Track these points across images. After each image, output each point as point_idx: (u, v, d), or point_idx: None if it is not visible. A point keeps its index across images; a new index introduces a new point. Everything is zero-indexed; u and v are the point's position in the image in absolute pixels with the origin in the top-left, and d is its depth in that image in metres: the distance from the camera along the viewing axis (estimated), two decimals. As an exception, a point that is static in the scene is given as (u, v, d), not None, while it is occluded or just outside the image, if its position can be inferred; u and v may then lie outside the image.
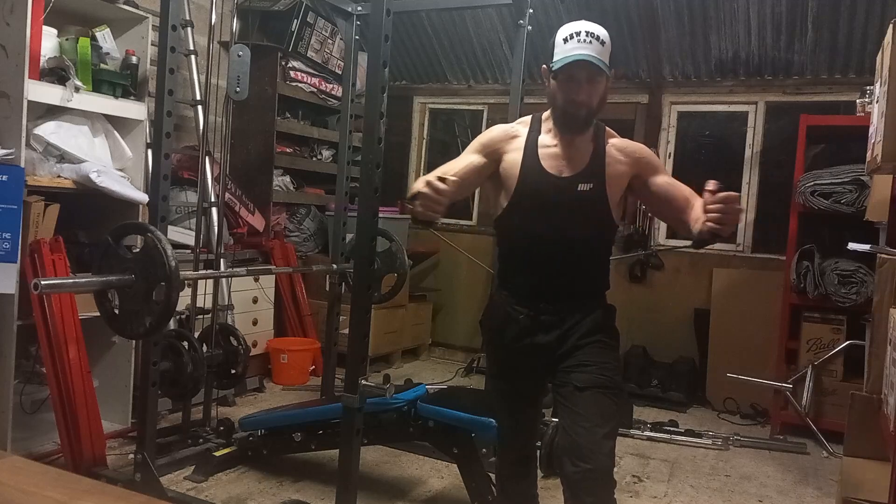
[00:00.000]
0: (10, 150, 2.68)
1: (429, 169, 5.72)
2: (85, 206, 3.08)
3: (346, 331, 2.35)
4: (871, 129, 2.56)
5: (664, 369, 4.59)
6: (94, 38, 3.09)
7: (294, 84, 4.72)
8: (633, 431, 3.82)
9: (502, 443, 2.17)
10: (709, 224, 1.64)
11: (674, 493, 3.12)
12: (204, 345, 3.05)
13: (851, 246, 2.94)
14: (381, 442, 3.06)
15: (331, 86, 4.99)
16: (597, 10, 4.44)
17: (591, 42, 1.79)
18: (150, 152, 3.15)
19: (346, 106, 3.71)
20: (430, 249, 5.54)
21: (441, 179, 1.65)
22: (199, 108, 3.53)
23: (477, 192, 5.48)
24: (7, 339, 2.74)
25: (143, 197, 3.05)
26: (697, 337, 4.68)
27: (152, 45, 3.18)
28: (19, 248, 2.64)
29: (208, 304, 3.23)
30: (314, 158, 5.07)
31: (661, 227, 4.92)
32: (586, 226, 1.91)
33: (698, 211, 1.74)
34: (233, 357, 3.15)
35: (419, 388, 2.88)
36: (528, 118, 2.02)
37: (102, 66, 3.10)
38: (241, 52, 3.03)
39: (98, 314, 2.21)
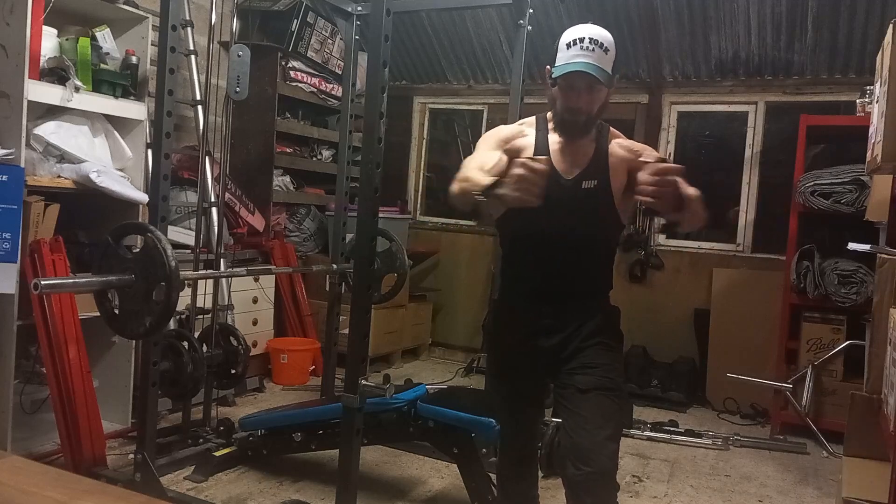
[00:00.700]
0: (10, 150, 2.68)
1: (429, 169, 5.76)
2: (85, 206, 3.08)
3: (346, 331, 2.35)
4: (871, 129, 2.56)
5: (664, 369, 4.59)
6: (94, 38, 3.09)
7: (294, 84, 4.72)
8: (633, 431, 3.82)
9: (503, 443, 2.17)
10: (641, 198, 1.57)
11: (674, 493, 3.12)
12: (204, 345, 3.05)
13: (851, 246, 2.94)
14: (381, 442, 3.06)
15: (331, 86, 4.99)
16: (597, 10, 4.44)
17: (593, 50, 1.77)
18: (150, 152, 3.15)
19: (346, 106, 3.71)
20: (430, 249, 5.54)
21: (533, 159, 1.54)
22: (199, 108, 3.53)
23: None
24: (7, 339, 2.74)
25: (143, 197, 3.05)
26: (697, 337, 4.68)
27: (152, 45, 3.18)
28: (19, 248, 2.64)
29: (208, 304, 3.23)
30: (314, 158, 5.07)
31: (658, 227, 4.92)
32: (591, 224, 1.90)
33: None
34: (233, 357, 3.14)
35: (419, 388, 2.88)
36: (532, 119, 2.01)
37: (102, 66, 3.10)
38: (241, 52, 3.03)
39: (98, 314, 2.21)
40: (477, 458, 2.65)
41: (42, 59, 2.84)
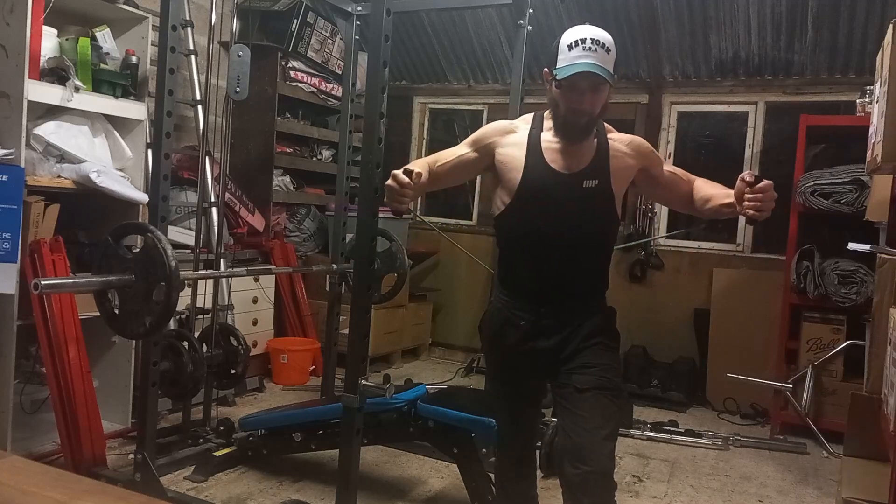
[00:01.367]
0: (10, 150, 2.68)
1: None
2: (85, 206, 3.08)
3: (346, 331, 2.35)
4: (871, 129, 2.56)
5: (664, 369, 4.59)
6: (94, 38, 3.09)
7: (294, 84, 4.72)
8: (633, 431, 3.82)
9: (502, 443, 2.16)
10: (749, 213, 1.70)
11: (674, 493, 3.12)
12: (204, 345, 3.05)
13: (851, 246, 2.94)
14: (381, 442, 3.06)
15: (331, 86, 4.99)
16: (597, 10, 4.44)
17: (595, 50, 1.77)
18: (150, 152, 3.15)
19: (346, 106, 3.71)
20: (430, 249, 5.54)
21: (407, 173, 1.72)
22: (199, 108, 3.53)
23: (477, 191, 5.50)
24: (7, 339, 2.74)
25: (143, 197, 3.05)
26: (697, 337, 4.68)
27: (152, 45, 3.18)
28: (19, 248, 2.64)
29: (208, 304, 3.23)
30: (314, 158, 5.07)
31: (661, 227, 4.92)
32: (591, 223, 1.90)
33: (710, 192, 1.92)
34: (233, 357, 3.14)
35: (419, 388, 2.88)
36: (529, 116, 2.00)
37: (102, 66, 3.10)
38: (241, 52, 3.03)
39: (98, 314, 2.21)
40: (477, 458, 2.65)
41: (42, 59, 2.84)
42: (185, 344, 2.88)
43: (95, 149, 3.06)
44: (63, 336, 2.78)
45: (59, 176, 2.92)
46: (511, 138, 1.94)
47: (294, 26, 4.58)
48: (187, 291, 3.13)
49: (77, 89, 2.89)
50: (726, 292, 4.53)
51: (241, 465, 3.04)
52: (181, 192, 3.85)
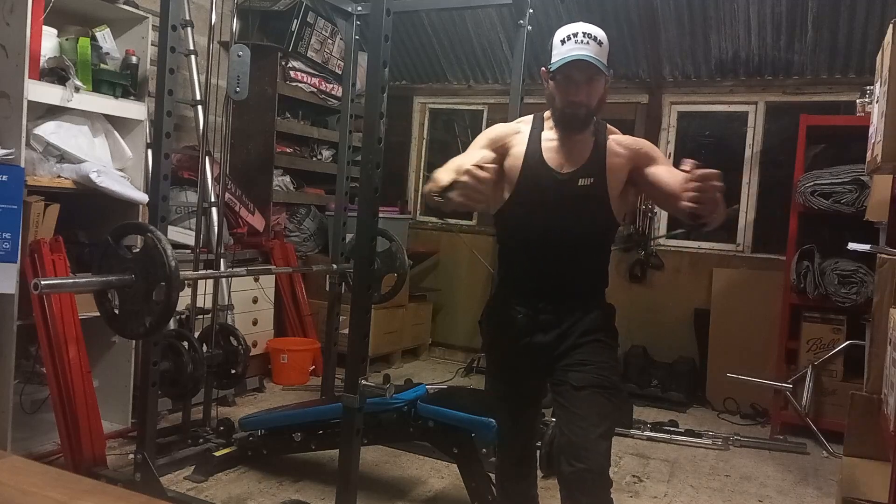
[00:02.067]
0: (10, 150, 2.68)
1: (429, 169, 5.75)
2: (85, 206, 3.08)
3: (346, 331, 2.35)
4: (871, 129, 2.56)
5: (664, 369, 4.59)
6: (94, 38, 3.09)
7: (294, 84, 4.72)
8: (633, 431, 3.82)
9: (502, 443, 2.17)
10: (685, 204, 1.56)
11: (674, 493, 3.12)
12: (204, 345, 3.05)
13: (851, 246, 2.94)
14: (381, 442, 3.06)
15: (331, 86, 4.99)
16: (597, 10, 4.44)
17: (588, 43, 1.78)
18: (150, 152, 3.15)
19: (346, 106, 3.71)
20: (430, 249, 5.54)
21: (479, 167, 1.58)
22: (199, 108, 3.53)
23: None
24: (7, 339, 2.74)
25: (143, 197, 3.05)
26: (697, 337, 4.68)
27: (152, 45, 3.18)
28: (19, 248, 2.64)
29: (208, 304, 3.23)
30: (314, 158, 5.07)
31: (661, 227, 4.92)
32: (586, 222, 1.91)
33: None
34: (233, 357, 3.14)
35: (419, 388, 2.88)
36: (529, 117, 2.01)
37: (102, 66, 3.10)
38: (241, 52, 3.03)
39: (98, 314, 2.21)
40: (477, 458, 2.65)
41: (42, 59, 2.84)
42: (185, 344, 2.88)
43: (95, 149, 3.06)
44: (63, 336, 2.78)
45: (59, 176, 2.92)
46: (516, 139, 1.96)
47: (294, 26, 4.58)
48: (187, 291, 3.13)
49: (77, 89, 2.88)
50: (726, 292, 4.53)
51: (241, 465, 3.04)
52: (181, 192, 3.85)
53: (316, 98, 4.92)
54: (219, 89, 3.52)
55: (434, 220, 5.70)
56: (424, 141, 5.82)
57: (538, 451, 2.63)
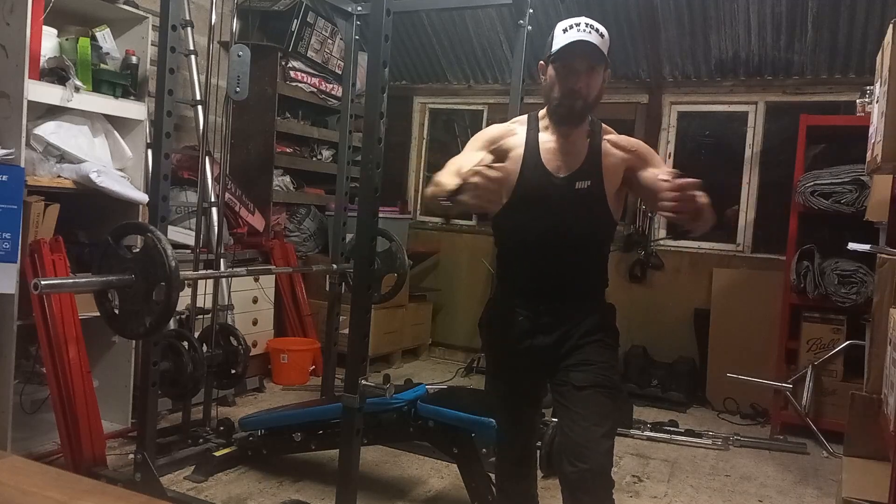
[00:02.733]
0: (10, 150, 2.68)
1: (429, 169, 5.75)
2: (85, 206, 3.08)
3: (346, 331, 2.35)
4: (871, 129, 2.56)
5: (664, 369, 4.59)
6: (94, 38, 3.09)
7: (294, 84, 4.72)
8: (633, 431, 3.82)
9: (501, 443, 2.17)
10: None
11: (674, 493, 3.12)
12: (204, 345, 3.05)
13: (851, 246, 2.94)
14: (381, 442, 3.06)
15: (331, 86, 4.99)
16: (597, 10, 4.44)
17: (590, 32, 1.79)
18: (150, 152, 3.15)
19: (346, 106, 3.71)
20: (430, 249, 5.54)
21: (489, 167, 1.57)
22: (199, 108, 3.53)
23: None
24: (7, 339, 2.74)
25: (143, 197, 3.05)
26: (697, 337, 4.68)
27: (152, 45, 3.18)
28: (19, 248, 2.64)
29: (208, 304, 3.23)
30: (314, 158, 5.07)
31: (661, 227, 4.92)
32: (585, 224, 1.91)
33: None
34: (233, 357, 3.14)
35: (419, 388, 2.88)
36: (523, 117, 2.00)
37: (102, 66, 3.10)
38: (241, 52, 3.03)
39: (98, 314, 2.21)
40: (477, 458, 2.65)
41: (42, 59, 2.84)
42: (185, 344, 2.88)
43: (95, 149, 3.06)
44: (63, 336, 2.78)
45: (59, 176, 2.92)
46: (511, 141, 1.95)
47: (294, 26, 4.58)
48: (187, 291, 3.13)
49: (77, 89, 2.88)
50: (726, 292, 4.53)
51: (241, 465, 3.04)
52: (181, 192, 3.85)
53: (316, 98, 4.92)
54: (219, 89, 3.52)
55: (434, 220, 5.70)
56: (424, 141, 5.82)
57: (538, 451, 2.63)
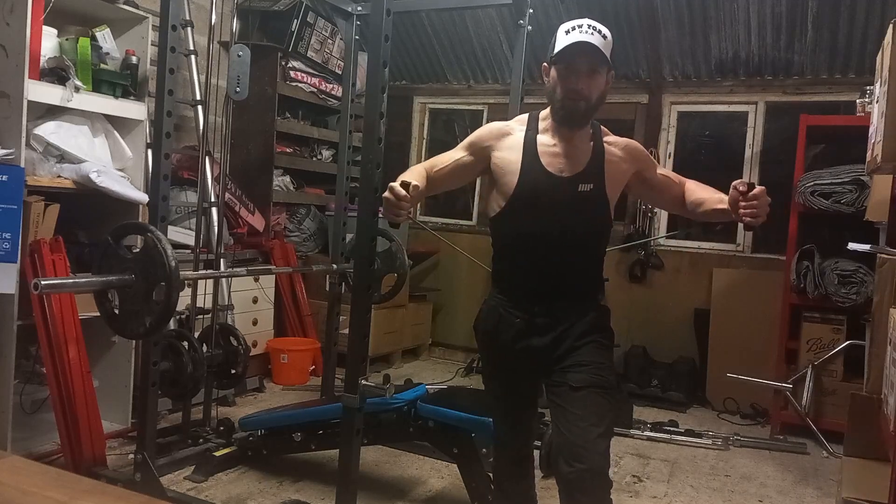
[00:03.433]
0: (10, 150, 2.68)
1: (429, 169, 5.75)
2: (85, 206, 3.08)
3: (346, 331, 2.35)
4: (871, 129, 2.56)
5: (664, 369, 4.59)
6: (94, 38, 3.09)
7: (294, 84, 4.72)
8: (633, 431, 3.82)
9: (499, 443, 2.17)
10: (746, 220, 1.72)
11: (674, 493, 3.12)
12: (204, 345, 3.05)
13: (851, 246, 2.94)
14: (381, 442, 3.06)
15: (331, 86, 4.99)
16: (597, 10, 4.44)
17: (593, 34, 1.80)
18: (150, 152, 3.15)
19: (346, 106, 3.71)
20: (430, 249, 5.54)
21: (405, 186, 1.72)
22: (199, 108, 3.53)
23: (476, 191, 5.50)
24: (7, 339, 2.74)
25: (143, 197, 3.05)
26: (697, 337, 4.68)
27: (152, 45, 3.18)
28: (19, 248, 2.64)
29: (208, 304, 3.23)
30: (314, 158, 5.07)
31: (661, 227, 4.92)
32: (585, 225, 1.91)
33: (702, 196, 1.94)
34: (233, 357, 3.14)
35: (419, 388, 2.88)
36: (524, 116, 2.00)
37: (102, 66, 3.10)
38: (241, 52, 3.03)
39: (98, 314, 2.21)
40: (477, 458, 2.65)
41: (42, 59, 2.84)
42: (185, 344, 2.88)
43: (95, 149, 3.06)
44: (63, 336, 2.78)
45: (59, 176, 2.92)
46: (507, 141, 1.95)
47: (294, 26, 4.58)
48: (187, 291, 3.13)
49: (77, 89, 2.88)
50: (726, 292, 4.53)
51: (241, 465, 3.04)
52: (181, 192, 3.85)
53: (316, 98, 4.92)
54: (219, 89, 3.52)
55: (434, 220, 5.70)
56: (424, 141, 5.82)
57: (537, 452, 2.63)
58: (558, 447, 1.84)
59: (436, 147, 5.83)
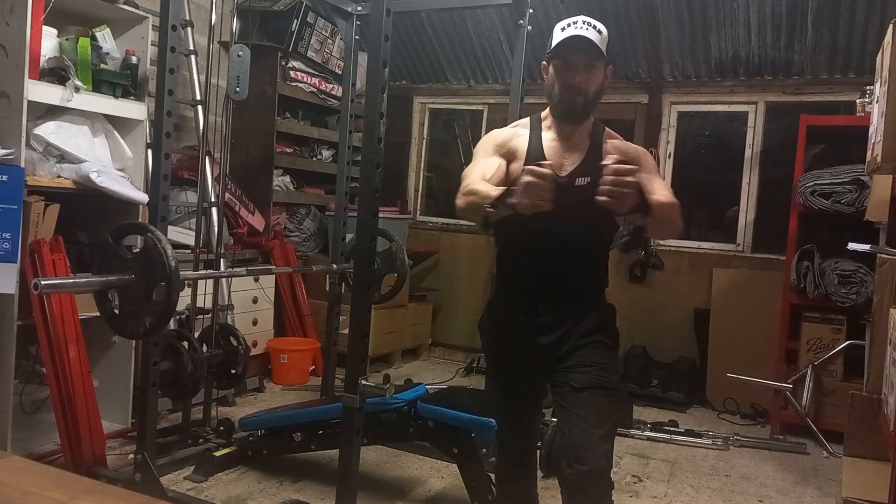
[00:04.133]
0: (10, 150, 2.68)
1: (429, 169, 5.76)
2: (85, 206, 3.08)
3: (346, 331, 2.35)
4: (871, 129, 2.56)
5: (664, 369, 4.59)
6: (94, 38, 3.09)
7: (294, 84, 4.72)
8: (633, 431, 3.82)
9: (501, 443, 2.17)
10: (599, 198, 1.57)
11: (674, 493, 3.12)
12: (204, 345, 3.05)
13: (851, 246, 2.94)
14: (381, 442, 3.06)
15: (331, 86, 4.99)
16: (597, 10, 4.43)
17: (588, 29, 1.82)
18: (150, 152, 3.15)
19: (346, 106, 3.71)
20: (430, 249, 5.54)
21: (539, 165, 1.59)
22: (199, 108, 3.53)
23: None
24: (7, 339, 2.74)
25: (143, 197, 3.05)
26: (697, 337, 4.67)
27: (152, 45, 3.18)
28: (19, 248, 2.64)
29: (208, 304, 3.23)
30: (314, 158, 5.07)
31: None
32: (584, 221, 1.89)
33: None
34: (233, 357, 3.14)
35: (419, 388, 2.88)
36: (526, 120, 2.02)
37: (102, 66, 3.10)
38: (241, 52, 3.03)
39: (98, 314, 2.21)
40: (477, 458, 2.65)
41: (42, 59, 2.84)
42: (185, 344, 2.88)
43: (95, 149, 3.06)
44: (63, 336, 2.78)
45: (59, 176, 2.92)
46: (517, 141, 1.96)
47: (294, 26, 4.58)
48: (187, 291, 3.13)
49: (77, 89, 2.88)
50: (726, 292, 4.53)
51: (241, 465, 3.04)
52: (181, 192, 3.85)
53: (316, 98, 4.92)
54: (219, 89, 3.52)
55: (434, 220, 5.70)
56: (424, 141, 5.81)
57: (538, 452, 2.63)
58: (560, 448, 1.85)
59: (436, 147, 5.83)
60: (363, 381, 2.15)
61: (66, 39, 2.99)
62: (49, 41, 2.92)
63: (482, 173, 1.85)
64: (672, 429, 3.88)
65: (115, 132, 3.19)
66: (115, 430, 3.20)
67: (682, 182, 4.88)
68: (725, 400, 4.39)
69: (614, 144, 1.95)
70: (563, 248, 1.89)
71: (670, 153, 4.90)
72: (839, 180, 3.79)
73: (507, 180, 1.88)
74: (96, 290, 2.13)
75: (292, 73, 4.70)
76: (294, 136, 4.86)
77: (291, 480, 2.95)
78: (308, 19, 4.67)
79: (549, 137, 1.93)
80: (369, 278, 2.21)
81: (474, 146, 2.04)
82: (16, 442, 2.82)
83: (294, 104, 4.84)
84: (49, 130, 2.89)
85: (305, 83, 4.80)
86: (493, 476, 2.36)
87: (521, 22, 3.16)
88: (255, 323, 4.26)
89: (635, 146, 2.02)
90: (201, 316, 3.22)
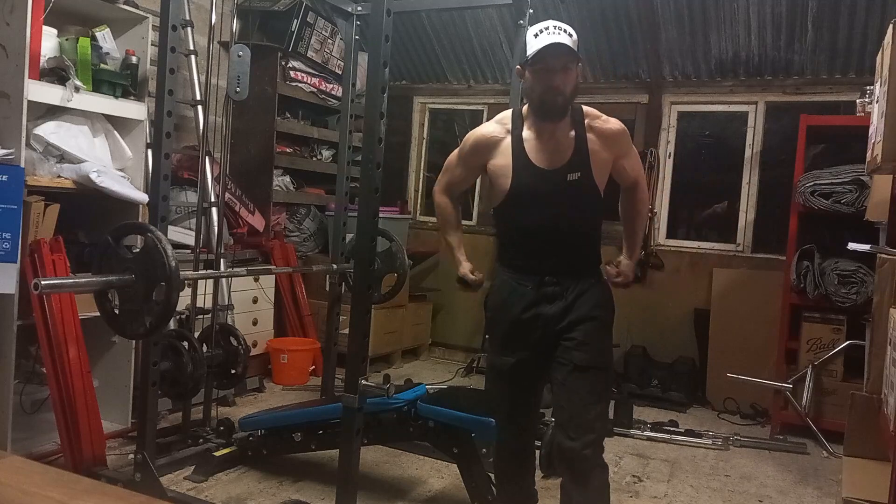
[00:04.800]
0: (10, 150, 2.68)
1: (429, 169, 5.76)
2: (85, 206, 3.08)
3: (346, 331, 2.35)
4: (871, 129, 2.56)
5: (664, 369, 4.58)
6: (94, 38, 3.09)
7: (294, 84, 4.72)
8: (633, 431, 3.82)
9: (499, 434, 2.21)
10: (615, 281, 2.22)
11: (674, 493, 3.12)
12: (204, 345, 3.05)
13: (851, 246, 2.94)
14: (381, 442, 3.06)
15: (331, 86, 4.99)
16: (597, 10, 4.43)
17: (560, 34, 1.93)
18: (150, 152, 3.15)
19: (346, 106, 3.71)
20: (430, 249, 5.54)
21: (472, 273, 2.33)
22: (199, 108, 3.53)
23: (477, 191, 5.50)
24: (7, 339, 2.74)
25: (143, 197, 3.05)
26: (697, 337, 4.67)
27: (152, 45, 3.18)
28: (19, 248, 2.64)
29: (208, 304, 3.23)
30: (314, 158, 5.07)
31: (661, 227, 4.92)
32: (579, 211, 2.07)
33: (626, 214, 2.33)
34: (233, 357, 3.14)
35: (419, 388, 2.88)
36: (507, 114, 2.13)
37: (102, 66, 3.10)
38: (241, 52, 3.03)
39: (98, 314, 2.21)
40: (477, 458, 2.65)
41: (42, 59, 2.84)
42: (185, 344, 2.88)
43: (95, 149, 3.06)
44: (63, 336, 2.78)
45: (59, 176, 2.92)
46: (500, 147, 2.09)
47: (294, 26, 4.58)
48: (187, 291, 3.13)
49: (77, 89, 2.88)
50: (726, 292, 4.53)
51: (241, 465, 3.04)
52: (181, 192, 3.85)
53: (316, 98, 4.92)
54: (219, 89, 3.52)
55: (434, 219, 5.69)
56: (424, 141, 5.82)
57: (538, 451, 2.63)
58: (560, 422, 2.02)
59: (436, 147, 5.83)
60: (363, 381, 2.15)
61: (66, 39, 2.99)
62: (49, 41, 2.92)
63: (449, 184, 2.32)
64: (672, 429, 3.88)
65: (115, 132, 3.19)
66: (115, 430, 3.20)
67: (681, 182, 4.88)
68: (725, 400, 4.39)
69: (595, 129, 2.07)
70: (559, 234, 2.05)
71: (670, 153, 4.90)
72: (839, 180, 3.79)
73: (471, 182, 2.45)
74: (96, 290, 2.13)
75: (292, 73, 4.70)
76: (294, 136, 4.86)
77: (291, 480, 2.95)
78: (308, 19, 4.68)
79: (530, 135, 2.06)
80: (369, 278, 2.21)
81: None
82: (16, 442, 2.82)
83: (294, 104, 4.84)
84: (49, 130, 2.89)
85: (305, 83, 4.80)
86: (492, 476, 2.37)
87: (521, 22, 3.16)
88: (255, 323, 4.26)
89: (612, 126, 2.12)
90: (201, 316, 3.22)
